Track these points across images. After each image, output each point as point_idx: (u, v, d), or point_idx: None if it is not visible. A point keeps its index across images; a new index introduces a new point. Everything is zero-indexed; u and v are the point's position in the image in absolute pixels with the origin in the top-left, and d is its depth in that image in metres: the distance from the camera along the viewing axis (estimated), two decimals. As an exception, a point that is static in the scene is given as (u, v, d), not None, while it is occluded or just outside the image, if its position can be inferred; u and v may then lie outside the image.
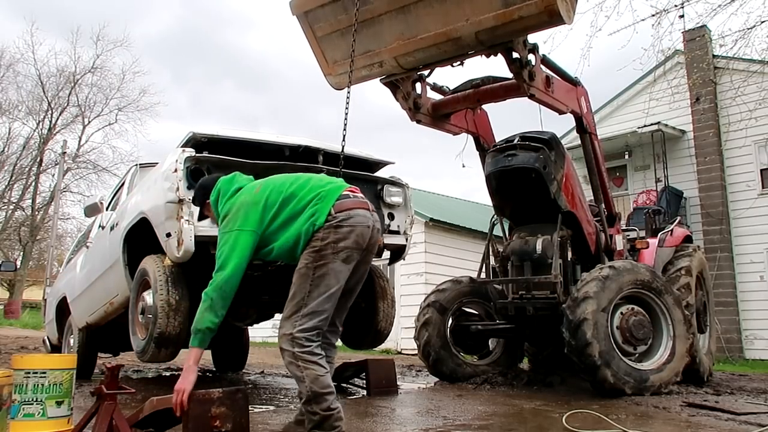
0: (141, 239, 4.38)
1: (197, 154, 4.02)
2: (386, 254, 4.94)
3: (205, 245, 3.95)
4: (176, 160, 3.93)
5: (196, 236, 3.87)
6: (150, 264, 4.17)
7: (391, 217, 4.82)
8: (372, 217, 2.98)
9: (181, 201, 3.88)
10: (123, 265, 4.62)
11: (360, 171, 4.74)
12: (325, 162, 4.42)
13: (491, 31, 4.24)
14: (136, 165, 5.94)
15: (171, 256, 3.98)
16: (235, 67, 73.49)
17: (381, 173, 5.00)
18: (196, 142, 4.16)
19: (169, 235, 3.93)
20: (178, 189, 3.88)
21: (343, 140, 4.10)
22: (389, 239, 4.75)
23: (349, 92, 4.30)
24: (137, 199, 4.57)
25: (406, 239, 4.89)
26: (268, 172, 4.29)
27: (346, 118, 4.10)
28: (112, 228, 5.09)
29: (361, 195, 3.08)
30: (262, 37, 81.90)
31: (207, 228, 3.92)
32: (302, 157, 4.43)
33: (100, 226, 5.57)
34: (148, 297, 4.14)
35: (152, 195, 4.17)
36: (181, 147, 4.12)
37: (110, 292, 5.01)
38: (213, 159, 4.07)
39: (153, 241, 4.12)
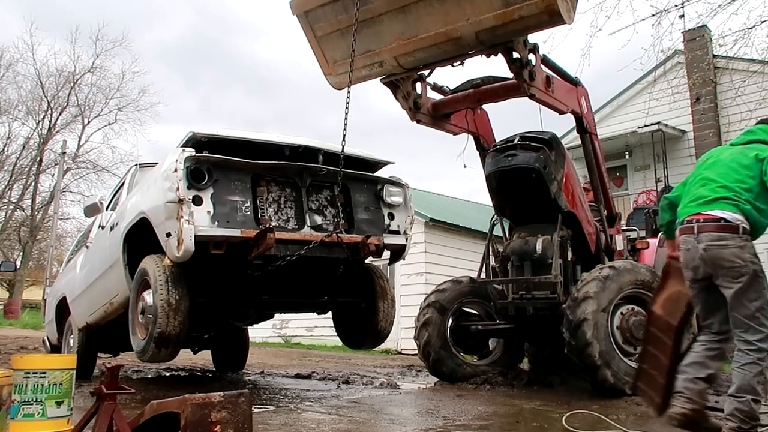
0: (141, 239, 4.37)
1: (197, 154, 4.02)
2: (386, 254, 4.94)
3: (205, 245, 3.95)
4: (176, 160, 3.92)
5: (196, 236, 3.86)
6: (150, 264, 4.16)
7: (391, 217, 4.82)
8: (693, 239, 3.15)
9: (181, 201, 3.87)
10: (123, 265, 4.61)
11: (360, 171, 4.74)
12: (325, 162, 4.42)
13: (491, 30, 4.23)
14: (136, 165, 5.94)
15: (171, 255, 3.97)
16: (244, 74, 73.71)
17: (381, 173, 5.00)
18: (197, 141, 4.15)
19: (169, 234, 3.93)
20: (178, 189, 3.88)
21: (343, 140, 4.10)
22: (389, 239, 4.74)
23: (349, 92, 4.30)
24: (137, 199, 4.57)
25: (406, 239, 4.88)
26: (269, 172, 4.31)
27: (346, 118, 4.11)
28: (112, 228, 5.08)
29: (697, 218, 3.20)
30: (271, 45, 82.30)
31: (207, 228, 3.92)
32: (302, 157, 4.43)
33: (100, 226, 5.57)
34: (148, 297, 4.14)
35: (152, 195, 4.16)
36: (181, 147, 4.12)
37: (110, 292, 5.00)
38: (213, 159, 4.06)
39: (153, 241, 4.12)
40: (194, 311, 4.18)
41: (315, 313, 5.57)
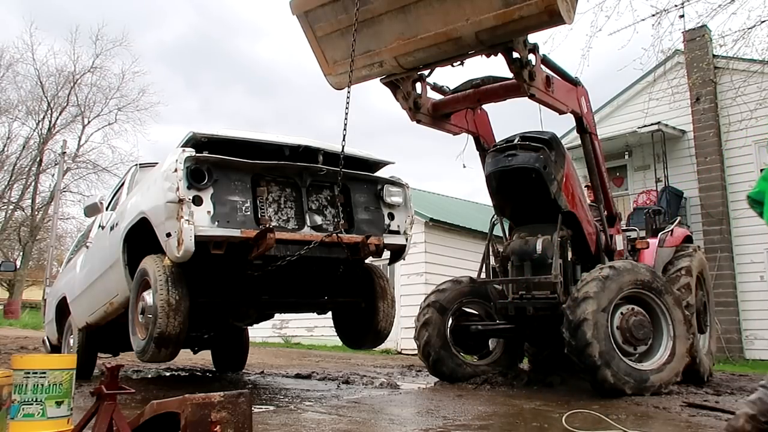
0: (141, 239, 4.38)
1: (197, 154, 4.02)
2: (386, 254, 4.94)
3: (205, 245, 3.96)
4: (176, 160, 3.93)
5: (196, 236, 3.86)
6: (150, 264, 4.16)
7: (391, 217, 4.82)
8: None
9: (181, 201, 3.87)
10: (123, 265, 4.62)
11: (360, 171, 4.74)
12: (325, 162, 4.42)
13: (491, 30, 4.24)
14: (136, 165, 5.94)
15: (171, 256, 3.97)
16: (244, 74, 73.91)
17: (381, 173, 5.00)
18: (197, 142, 4.15)
19: (169, 235, 3.93)
20: (178, 189, 3.88)
21: (343, 140, 4.10)
22: (389, 239, 4.74)
23: (349, 92, 4.30)
24: (137, 199, 4.57)
25: (406, 239, 4.88)
26: (268, 172, 4.31)
27: (346, 118, 4.11)
28: (112, 228, 5.08)
29: None
30: (271, 45, 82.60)
31: (207, 228, 3.93)
32: (302, 157, 4.43)
33: (100, 226, 5.57)
34: (148, 297, 4.14)
35: (152, 195, 4.16)
36: (181, 147, 4.12)
37: (110, 292, 5.00)
38: (213, 159, 4.06)
39: (153, 241, 4.12)
40: (194, 311, 4.18)
41: (315, 313, 5.57)
